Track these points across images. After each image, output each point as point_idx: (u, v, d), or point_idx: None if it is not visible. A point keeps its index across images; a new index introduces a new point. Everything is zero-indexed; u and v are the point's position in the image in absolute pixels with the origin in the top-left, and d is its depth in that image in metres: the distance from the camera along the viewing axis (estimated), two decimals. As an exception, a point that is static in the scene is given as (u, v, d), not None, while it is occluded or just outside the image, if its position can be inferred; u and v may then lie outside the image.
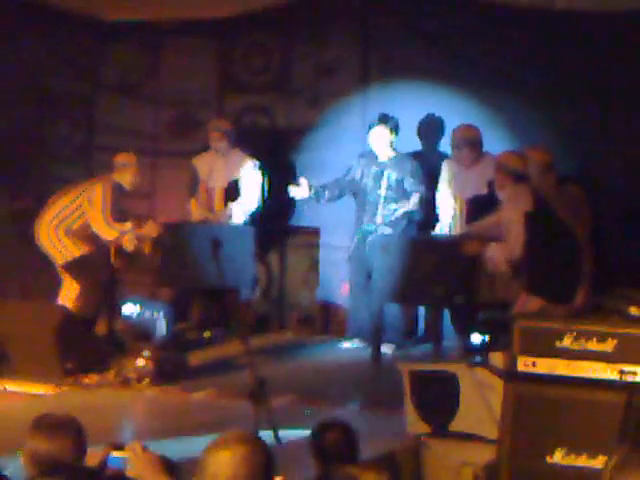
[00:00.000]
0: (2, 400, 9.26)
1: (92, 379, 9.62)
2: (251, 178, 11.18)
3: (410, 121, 10.75)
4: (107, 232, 10.44)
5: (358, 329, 10.77)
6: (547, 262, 9.08)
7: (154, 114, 12.20)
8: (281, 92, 11.74)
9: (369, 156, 10.66)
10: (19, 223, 11.47)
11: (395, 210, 10.50)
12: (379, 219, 10.53)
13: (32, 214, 11.31)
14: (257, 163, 11.19)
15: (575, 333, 6.99)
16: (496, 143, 10.37)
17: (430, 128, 10.97)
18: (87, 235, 10.55)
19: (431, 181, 10.57)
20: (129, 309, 10.48)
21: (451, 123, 10.62)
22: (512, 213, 9.43)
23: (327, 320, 11.58)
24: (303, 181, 10.67)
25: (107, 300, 10.79)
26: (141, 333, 10.22)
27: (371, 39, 11.29)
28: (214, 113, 11.99)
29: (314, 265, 11.71)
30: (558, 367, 7.03)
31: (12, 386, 9.47)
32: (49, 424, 4.56)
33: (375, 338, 10.29)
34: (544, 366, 7.05)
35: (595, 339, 6.97)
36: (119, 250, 10.57)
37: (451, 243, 10.01)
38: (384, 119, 10.51)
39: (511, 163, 9.52)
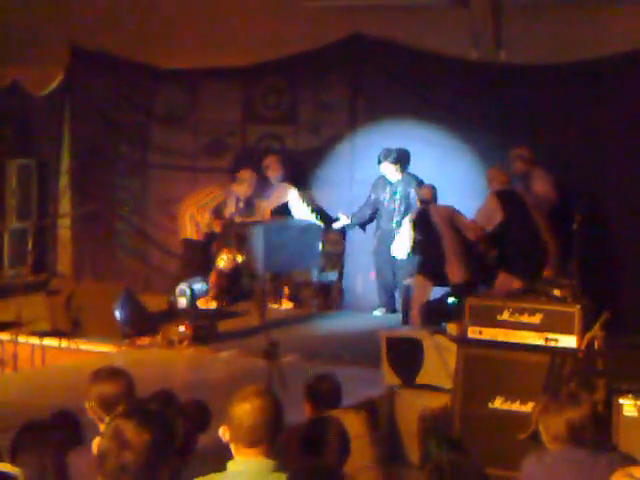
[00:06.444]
0: (76, 356, 9.31)
1: (144, 341, 9.57)
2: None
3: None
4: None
5: (385, 301, 10.64)
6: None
7: (193, 139, 12.13)
8: (290, 124, 11.65)
9: (382, 179, 10.53)
10: (88, 222, 11.46)
11: (405, 215, 10.35)
12: (394, 224, 10.43)
13: (98, 215, 11.30)
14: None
15: (511, 309, 7.09)
16: (463, 165, 10.37)
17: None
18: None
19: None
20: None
21: (421, 150, 10.52)
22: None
23: (325, 296, 11.36)
24: (342, 215, 10.68)
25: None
26: (183, 306, 10.24)
27: (359, 84, 11.18)
28: (239, 139, 11.97)
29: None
30: (499, 335, 7.11)
31: (83, 345, 9.48)
32: (105, 373, 4.51)
33: (405, 307, 9.91)
34: (488, 334, 7.13)
35: (527, 314, 7.04)
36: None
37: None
38: (385, 156, 10.38)
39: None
